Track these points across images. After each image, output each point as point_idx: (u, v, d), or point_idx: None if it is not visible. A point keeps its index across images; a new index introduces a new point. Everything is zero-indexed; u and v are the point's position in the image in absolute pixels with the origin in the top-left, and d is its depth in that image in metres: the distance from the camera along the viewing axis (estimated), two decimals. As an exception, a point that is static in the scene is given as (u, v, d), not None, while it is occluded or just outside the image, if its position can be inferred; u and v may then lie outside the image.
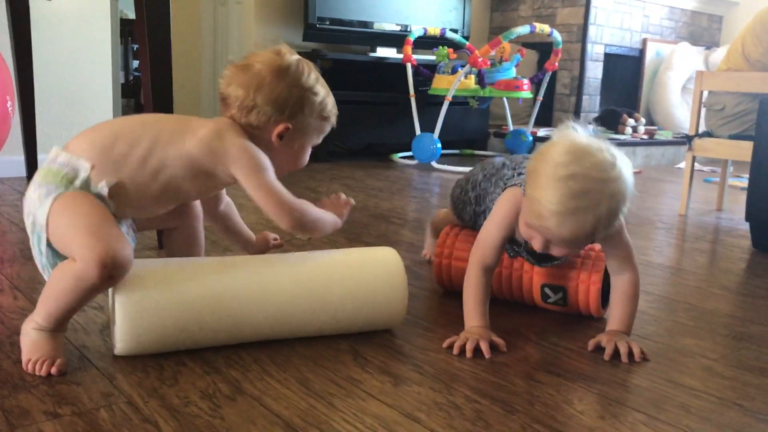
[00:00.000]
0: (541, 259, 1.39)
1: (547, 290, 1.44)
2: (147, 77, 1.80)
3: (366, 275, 1.26)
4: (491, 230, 1.30)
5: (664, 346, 1.30)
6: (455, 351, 1.21)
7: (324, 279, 1.22)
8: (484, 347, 1.20)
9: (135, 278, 1.11)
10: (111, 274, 1.04)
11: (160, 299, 1.12)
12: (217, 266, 1.19)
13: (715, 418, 1.03)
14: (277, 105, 1.18)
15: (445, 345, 1.23)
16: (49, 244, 1.10)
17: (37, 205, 1.10)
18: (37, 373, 1.05)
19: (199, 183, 1.19)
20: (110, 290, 1.14)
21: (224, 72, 1.22)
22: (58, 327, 1.09)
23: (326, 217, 1.26)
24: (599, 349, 1.26)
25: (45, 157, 1.16)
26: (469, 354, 1.19)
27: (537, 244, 1.20)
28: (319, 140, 1.29)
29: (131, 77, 6.79)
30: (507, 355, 1.22)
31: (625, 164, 1.14)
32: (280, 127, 1.19)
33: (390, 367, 1.15)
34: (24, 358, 1.07)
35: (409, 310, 1.42)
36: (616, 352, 1.23)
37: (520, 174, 1.35)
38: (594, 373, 1.17)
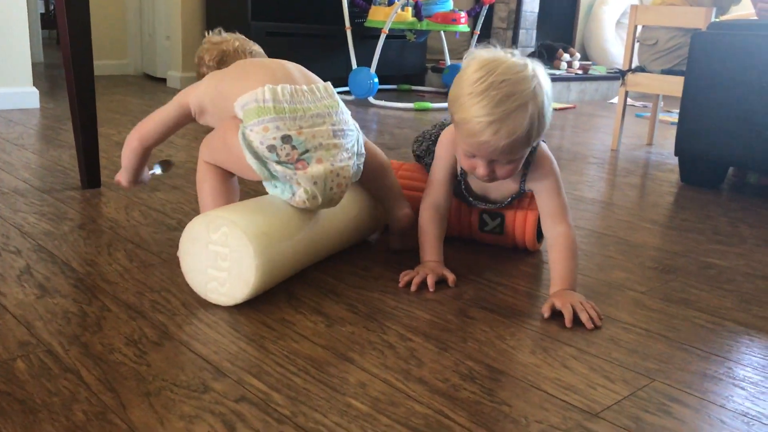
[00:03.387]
0: (478, 198, 1.41)
1: (485, 217, 1.45)
2: (61, 4, 1.68)
3: (365, 196, 1.43)
4: (436, 170, 1.35)
5: (594, 280, 1.33)
6: (401, 284, 1.24)
7: (354, 203, 1.38)
8: (429, 280, 1.23)
9: (253, 221, 1.12)
10: None
11: (280, 238, 1.16)
12: (296, 209, 1.23)
13: (642, 349, 1.05)
14: None
15: (401, 280, 1.25)
16: None
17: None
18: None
19: None
20: (217, 236, 1.11)
21: None
22: None
23: None
24: (556, 313, 1.16)
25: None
26: (413, 288, 1.22)
27: (481, 170, 1.19)
28: None
29: (52, 6, 6.41)
30: (440, 292, 1.22)
31: (535, 64, 1.16)
32: None
33: (323, 308, 1.13)
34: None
35: (345, 250, 1.40)
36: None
37: None
38: (526, 309, 1.18)
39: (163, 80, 4.23)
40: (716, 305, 1.24)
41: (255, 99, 1.17)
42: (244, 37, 1.48)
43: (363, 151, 1.30)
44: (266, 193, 1.25)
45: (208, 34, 1.46)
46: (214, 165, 1.27)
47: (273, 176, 1.19)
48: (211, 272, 1.11)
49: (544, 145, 1.32)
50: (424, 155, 1.53)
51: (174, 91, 3.91)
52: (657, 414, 0.87)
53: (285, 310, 1.12)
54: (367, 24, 3.89)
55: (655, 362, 1.01)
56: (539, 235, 1.46)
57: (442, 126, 1.47)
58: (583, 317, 1.12)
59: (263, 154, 1.17)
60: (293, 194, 1.19)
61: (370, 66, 3.71)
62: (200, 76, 1.40)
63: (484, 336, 1.07)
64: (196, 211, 1.59)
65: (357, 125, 1.31)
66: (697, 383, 0.96)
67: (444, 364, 0.97)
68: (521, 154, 1.19)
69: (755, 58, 1.98)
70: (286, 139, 1.16)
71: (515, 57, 1.16)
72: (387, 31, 3.65)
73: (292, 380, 0.90)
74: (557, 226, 1.26)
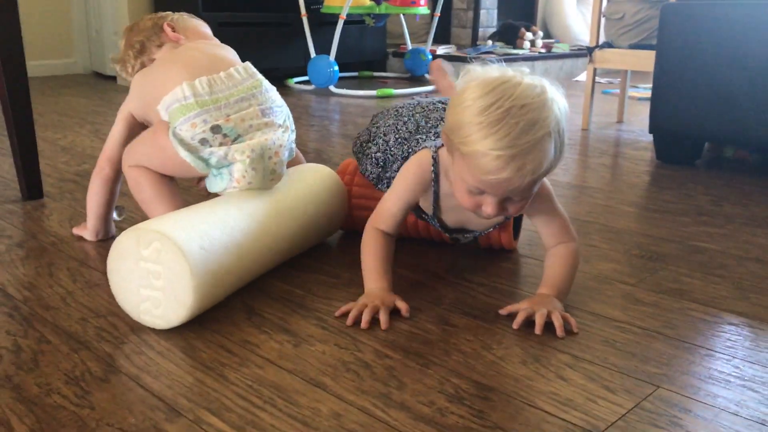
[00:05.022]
0: (453, 231, 1.23)
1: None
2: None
3: (320, 189, 1.31)
4: (393, 200, 1.14)
5: (580, 274, 1.23)
6: (349, 322, 1.02)
7: (302, 204, 1.25)
8: (382, 318, 1.01)
9: (189, 234, 1.00)
10: None
11: (221, 251, 1.03)
12: (240, 214, 1.12)
13: (641, 351, 0.96)
14: None
15: (337, 314, 1.05)
16: None
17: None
18: None
19: None
20: (150, 256, 0.98)
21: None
22: None
23: None
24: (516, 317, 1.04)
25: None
26: (364, 325, 1.00)
27: (490, 208, 0.99)
28: None
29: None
30: (418, 297, 1.12)
31: (549, 83, 0.97)
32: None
33: (290, 324, 1.02)
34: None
35: (309, 256, 1.29)
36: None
37: (437, 135, 1.20)
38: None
39: (114, 78, 4.04)
40: (712, 294, 1.16)
41: (176, 99, 1.17)
42: (160, 14, 1.42)
43: (294, 127, 1.29)
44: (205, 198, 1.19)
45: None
46: (144, 168, 1.23)
47: (209, 165, 1.17)
48: (143, 292, 0.99)
49: None
50: (381, 178, 1.31)
51: (125, 89, 3.73)
52: (667, 428, 0.79)
53: (246, 329, 1.01)
54: (323, 10, 3.75)
55: (657, 365, 0.92)
56: (515, 230, 1.36)
57: (398, 130, 1.28)
58: (556, 324, 1.00)
59: (196, 147, 1.16)
60: (231, 175, 1.16)
61: (329, 54, 3.58)
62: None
63: (469, 346, 0.97)
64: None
65: (284, 102, 1.29)
66: (705, 388, 0.87)
67: (427, 384, 0.87)
68: (537, 187, 1.01)
69: (729, 27, 1.91)
70: (215, 129, 1.16)
71: (527, 77, 0.96)
72: (345, 17, 3.52)
73: (257, 415, 0.80)
74: (560, 245, 1.12)
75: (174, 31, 1.36)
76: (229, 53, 1.31)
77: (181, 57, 1.25)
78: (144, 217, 1.46)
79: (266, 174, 1.18)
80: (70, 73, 4.33)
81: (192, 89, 1.16)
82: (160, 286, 0.98)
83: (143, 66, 1.34)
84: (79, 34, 4.31)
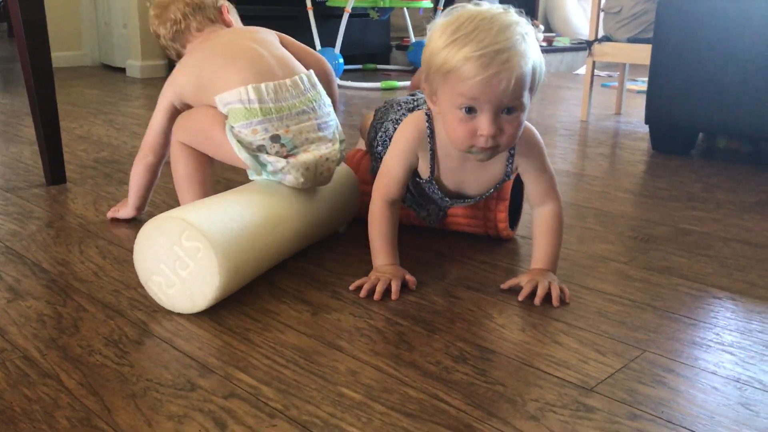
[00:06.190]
0: (454, 196, 1.25)
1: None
2: (13, -5, 1.61)
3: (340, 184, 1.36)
4: (395, 162, 1.17)
5: (576, 253, 1.32)
6: (362, 294, 1.10)
7: (320, 195, 1.29)
8: (394, 288, 1.10)
9: (231, 250, 1.03)
10: None
11: (249, 269, 1.09)
12: (263, 202, 1.17)
13: (630, 320, 1.05)
14: None
15: (352, 287, 1.13)
16: None
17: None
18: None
19: None
20: (172, 240, 1.02)
21: None
22: None
23: None
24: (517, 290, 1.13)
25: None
26: (377, 297, 1.09)
27: (486, 125, 1.00)
28: None
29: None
30: (425, 272, 1.21)
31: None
32: None
33: (307, 296, 1.11)
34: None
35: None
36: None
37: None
38: (512, 285, 1.17)
39: (123, 70, 4.12)
40: (698, 272, 1.24)
41: (239, 99, 1.18)
42: None
43: (344, 137, 1.31)
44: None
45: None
46: (188, 146, 1.28)
47: (264, 170, 1.20)
48: (163, 268, 1.03)
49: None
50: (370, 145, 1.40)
51: (134, 81, 3.82)
52: (651, 385, 0.87)
53: (267, 300, 1.09)
54: (329, 3, 3.83)
55: (644, 332, 1.01)
56: (513, 220, 1.43)
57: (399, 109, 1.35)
58: (554, 294, 1.09)
59: (254, 151, 1.19)
60: (284, 179, 1.20)
61: (334, 46, 3.66)
62: (163, 49, 1.45)
63: (472, 316, 1.05)
64: (168, 204, 1.55)
65: (333, 112, 1.31)
66: (687, 351, 0.96)
67: (434, 347, 0.95)
68: (526, 100, 1.02)
69: (723, 22, 1.99)
70: (275, 138, 1.19)
71: (491, 3, 1.04)
72: (350, 10, 3.60)
73: (282, 372, 0.88)
74: (546, 204, 1.17)
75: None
76: (268, 36, 1.33)
77: (241, 51, 1.25)
78: (170, 202, 1.55)
79: (316, 183, 1.23)
80: (78, 65, 4.41)
81: (257, 93, 1.18)
82: (182, 276, 1.02)
83: (187, 29, 1.35)
84: (88, 27, 4.38)
